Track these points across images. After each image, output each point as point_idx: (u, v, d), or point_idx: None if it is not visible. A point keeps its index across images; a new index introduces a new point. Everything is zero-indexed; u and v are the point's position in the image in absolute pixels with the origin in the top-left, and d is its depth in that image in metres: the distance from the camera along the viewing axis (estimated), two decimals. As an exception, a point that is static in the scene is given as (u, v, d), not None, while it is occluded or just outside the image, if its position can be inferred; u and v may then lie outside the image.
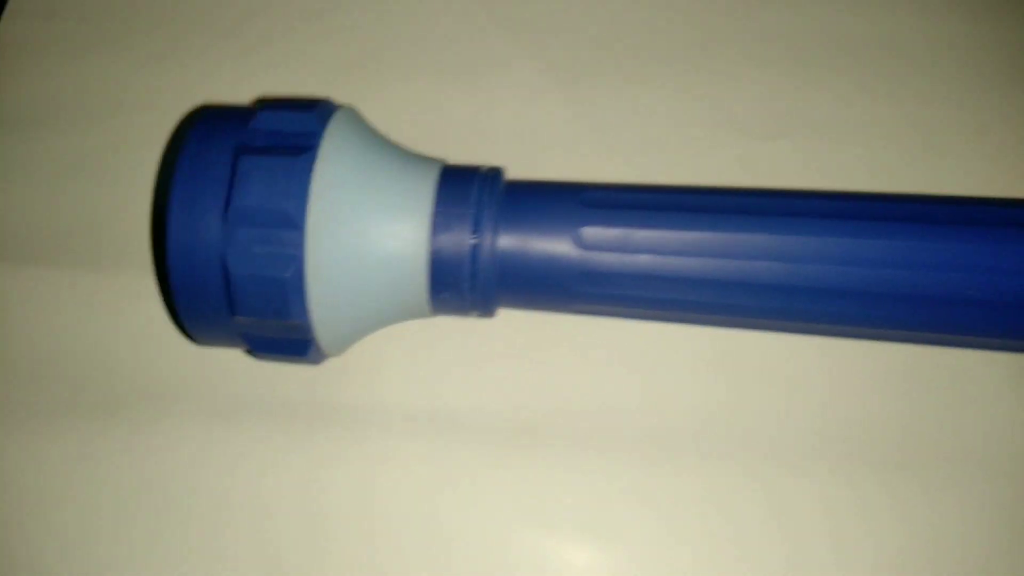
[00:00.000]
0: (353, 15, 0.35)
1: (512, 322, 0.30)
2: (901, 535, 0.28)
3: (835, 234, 0.24)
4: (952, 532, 0.28)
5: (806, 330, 0.27)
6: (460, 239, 0.25)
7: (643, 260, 0.25)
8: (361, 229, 0.24)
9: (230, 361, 0.30)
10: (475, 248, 0.25)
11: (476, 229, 0.25)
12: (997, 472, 0.28)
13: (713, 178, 0.32)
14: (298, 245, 0.23)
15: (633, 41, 0.34)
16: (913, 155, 0.32)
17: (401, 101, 0.33)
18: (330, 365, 0.29)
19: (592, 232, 0.25)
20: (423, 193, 0.25)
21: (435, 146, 0.30)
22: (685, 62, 0.34)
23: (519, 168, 0.29)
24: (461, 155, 0.29)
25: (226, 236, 0.24)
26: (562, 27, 0.34)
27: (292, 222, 0.23)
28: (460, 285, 0.25)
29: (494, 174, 0.26)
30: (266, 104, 0.26)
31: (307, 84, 0.34)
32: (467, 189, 0.26)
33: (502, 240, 0.25)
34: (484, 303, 0.26)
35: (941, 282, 0.24)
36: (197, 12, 0.35)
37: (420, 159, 0.27)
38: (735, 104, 0.33)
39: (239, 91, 0.33)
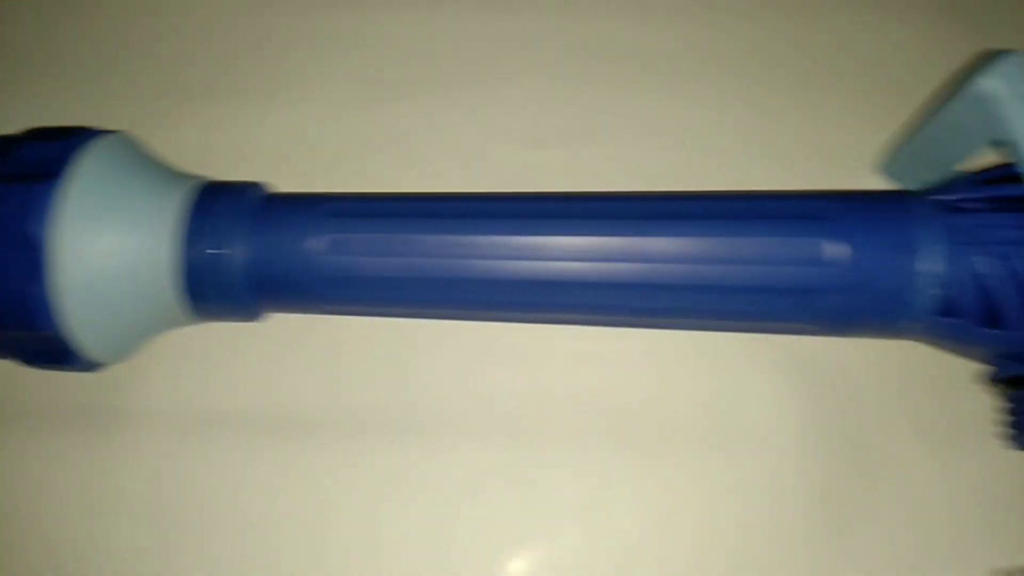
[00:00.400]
0: (153, 43, 0.37)
1: (285, 323, 0.32)
2: (694, 507, 0.31)
3: (564, 232, 0.27)
4: (734, 504, 0.30)
5: (558, 320, 0.30)
6: (210, 250, 0.27)
7: (379, 264, 0.27)
8: (110, 246, 0.27)
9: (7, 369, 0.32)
10: (224, 258, 0.27)
11: (225, 241, 0.27)
12: (770, 446, 0.31)
13: (494, 186, 0.34)
14: (41, 264, 0.26)
15: (423, 59, 0.36)
16: (680, 156, 0.34)
17: (203, 123, 0.35)
18: (113, 370, 0.31)
19: (333, 240, 0.28)
20: (175, 210, 0.28)
21: (234, 166, 0.32)
22: (468, 77, 0.36)
23: (316, 182, 0.32)
24: (258, 173, 0.31)
25: (-22, 258, 0.26)
26: (358, 47, 0.37)
27: (36, 243, 0.26)
28: (215, 294, 0.28)
29: (249, 188, 0.29)
30: (29, 134, 0.28)
31: (111, 113, 0.35)
32: (220, 204, 0.28)
33: (252, 250, 0.28)
34: (243, 310, 0.29)
35: (654, 272, 0.27)
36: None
37: (179, 177, 0.29)
38: (513, 115, 0.35)
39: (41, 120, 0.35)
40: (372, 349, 0.32)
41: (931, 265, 0.26)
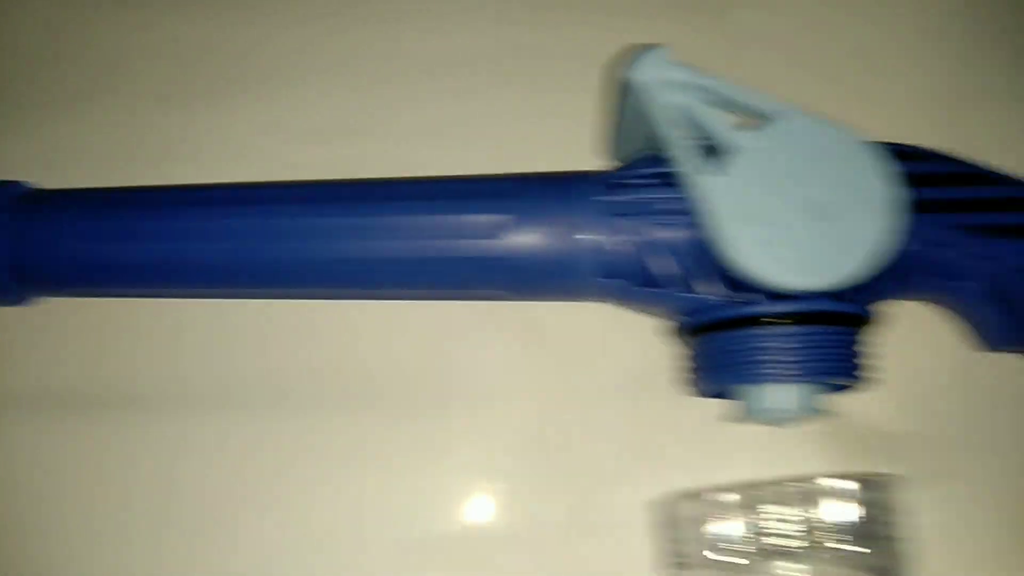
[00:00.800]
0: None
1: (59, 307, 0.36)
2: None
3: (273, 216, 0.31)
4: (480, 452, 0.35)
5: (282, 295, 0.34)
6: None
7: (110, 249, 0.31)
8: None
9: None
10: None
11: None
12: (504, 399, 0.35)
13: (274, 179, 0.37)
14: None
15: (208, 67, 0.40)
16: (431, 147, 0.37)
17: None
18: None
19: (74, 230, 0.31)
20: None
21: (27, 171, 0.36)
22: (249, 82, 0.39)
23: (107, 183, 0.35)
24: (51, 176, 0.35)
25: None
26: (147, 58, 0.40)
27: None
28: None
29: (7, 186, 0.33)
30: None
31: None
32: None
33: (5, 241, 0.31)
34: (5, 296, 0.32)
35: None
36: None
37: None
38: (289, 115, 0.39)
39: None
40: (150, 329, 0.36)
41: (590, 235, 0.30)
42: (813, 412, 0.30)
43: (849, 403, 0.33)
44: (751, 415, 0.30)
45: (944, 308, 0.33)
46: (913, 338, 0.34)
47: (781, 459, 0.33)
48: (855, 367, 0.30)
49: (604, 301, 0.32)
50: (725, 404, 0.32)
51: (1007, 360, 0.33)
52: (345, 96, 0.39)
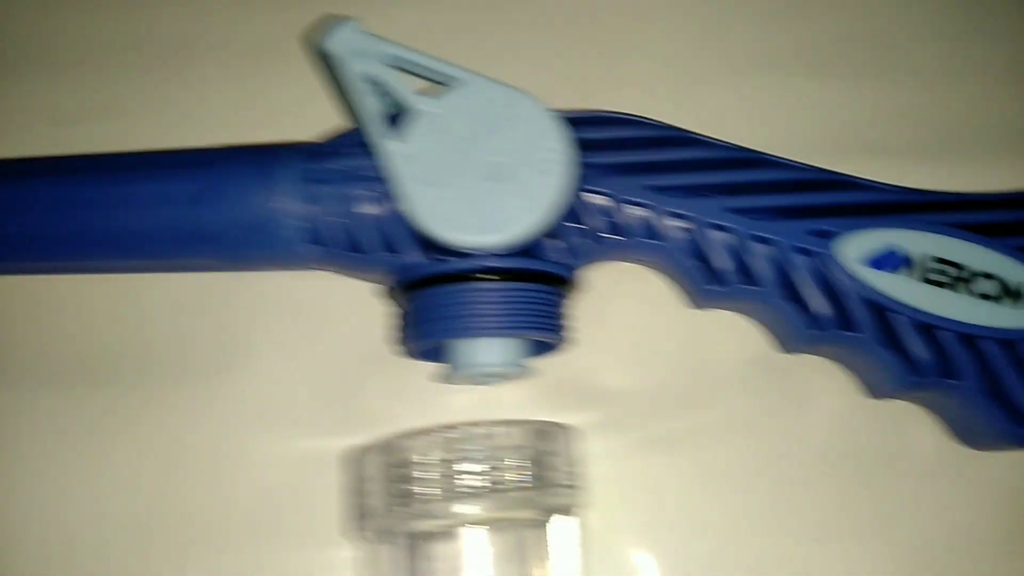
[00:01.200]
0: None
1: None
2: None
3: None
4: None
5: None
6: None
7: None
8: None
9: None
10: None
11: None
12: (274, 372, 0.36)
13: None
14: None
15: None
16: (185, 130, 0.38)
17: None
18: None
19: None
20: None
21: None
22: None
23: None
24: None
25: None
26: None
27: None
28: None
29: None
30: None
31: None
32: None
33: None
34: None
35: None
36: None
37: None
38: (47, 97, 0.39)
39: None
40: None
41: (289, 202, 0.31)
42: (516, 368, 0.32)
43: (558, 361, 0.34)
44: (457, 373, 0.32)
45: (652, 267, 0.35)
46: (626, 296, 0.36)
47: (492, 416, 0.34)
48: (554, 324, 0.32)
49: (317, 268, 0.33)
50: (435, 365, 0.34)
51: (716, 316, 0.35)
52: (91, 79, 0.39)
